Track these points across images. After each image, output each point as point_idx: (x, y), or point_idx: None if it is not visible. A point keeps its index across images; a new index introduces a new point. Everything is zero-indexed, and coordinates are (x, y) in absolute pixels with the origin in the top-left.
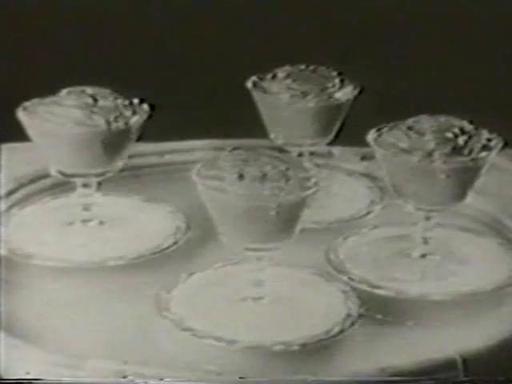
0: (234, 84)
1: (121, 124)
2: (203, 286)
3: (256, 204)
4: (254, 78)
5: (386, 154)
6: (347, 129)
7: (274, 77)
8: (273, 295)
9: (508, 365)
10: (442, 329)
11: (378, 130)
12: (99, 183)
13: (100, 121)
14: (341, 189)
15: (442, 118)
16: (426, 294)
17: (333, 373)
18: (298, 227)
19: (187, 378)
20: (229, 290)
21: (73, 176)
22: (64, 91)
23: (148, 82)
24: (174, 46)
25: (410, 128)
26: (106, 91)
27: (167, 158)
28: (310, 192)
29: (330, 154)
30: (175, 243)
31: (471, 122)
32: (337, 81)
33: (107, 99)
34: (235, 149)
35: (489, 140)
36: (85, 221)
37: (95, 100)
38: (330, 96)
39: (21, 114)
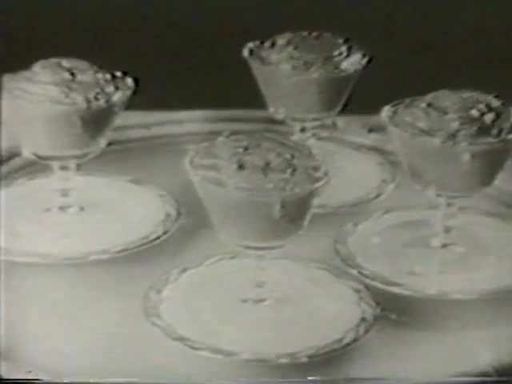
0: (228, 50)
1: (102, 102)
2: (197, 286)
3: (258, 199)
4: (250, 44)
5: (403, 135)
6: (353, 98)
7: (273, 44)
8: (276, 296)
9: None
10: (467, 332)
11: (393, 107)
12: (78, 164)
13: (78, 98)
14: (347, 166)
15: (466, 94)
16: (447, 291)
17: None
18: (306, 221)
19: None
20: (226, 290)
21: (49, 159)
22: (38, 64)
23: (132, 49)
24: (161, 8)
25: (429, 105)
26: (84, 64)
27: (154, 130)
28: (319, 184)
29: (333, 126)
30: (165, 233)
31: (498, 98)
32: (343, 49)
33: (86, 73)
34: (234, 133)
35: None
36: (63, 207)
37: (73, 74)
38: (336, 66)
39: None
